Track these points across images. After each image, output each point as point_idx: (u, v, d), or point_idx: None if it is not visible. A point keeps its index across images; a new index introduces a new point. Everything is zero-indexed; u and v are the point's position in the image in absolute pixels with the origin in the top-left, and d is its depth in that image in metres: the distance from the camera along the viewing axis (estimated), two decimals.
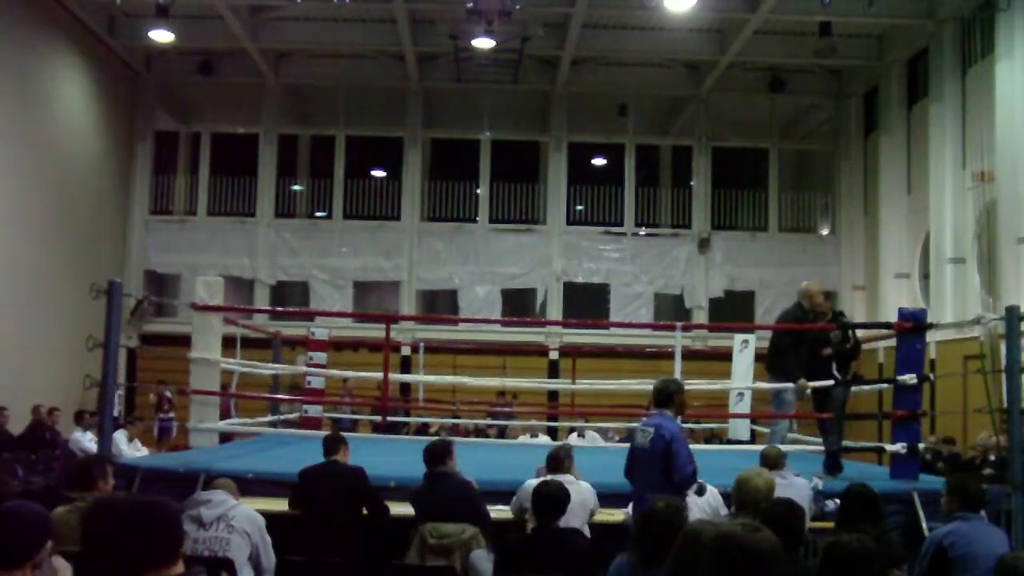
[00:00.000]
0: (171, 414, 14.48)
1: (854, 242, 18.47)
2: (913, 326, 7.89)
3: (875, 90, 17.66)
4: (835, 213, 19.16)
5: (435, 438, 7.43)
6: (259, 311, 17.01)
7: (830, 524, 6.27)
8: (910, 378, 7.68)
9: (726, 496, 5.68)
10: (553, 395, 16.32)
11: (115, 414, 13.30)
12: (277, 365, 11.76)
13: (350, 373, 11.00)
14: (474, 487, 5.99)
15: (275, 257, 18.65)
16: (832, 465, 7.78)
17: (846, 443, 9.30)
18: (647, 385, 6.11)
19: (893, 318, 8.69)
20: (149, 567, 2.45)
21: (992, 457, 10.16)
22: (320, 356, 11.72)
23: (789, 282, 16.43)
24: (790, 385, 8.10)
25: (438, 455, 5.88)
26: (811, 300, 8.31)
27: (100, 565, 2.46)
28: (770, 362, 8.47)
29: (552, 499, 5.04)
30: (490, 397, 14.25)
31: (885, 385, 8.27)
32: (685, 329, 10.33)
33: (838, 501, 6.48)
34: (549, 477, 5.76)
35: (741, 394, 10.49)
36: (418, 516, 5.83)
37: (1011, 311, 7.27)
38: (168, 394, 14.12)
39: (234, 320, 10.10)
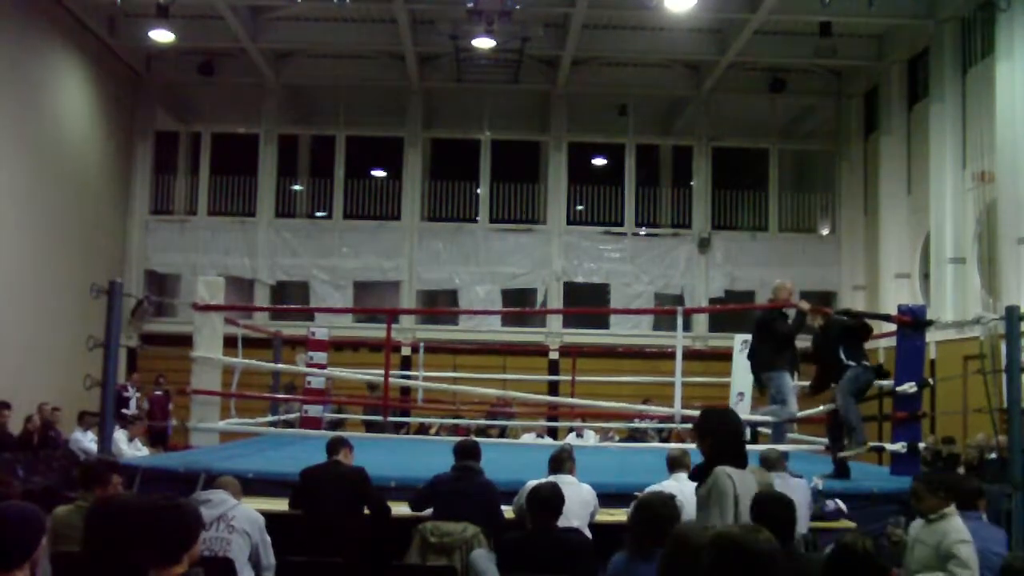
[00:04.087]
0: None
1: (854, 242, 18.47)
2: (913, 321, 7.90)
3: (875, 90, 17.66)
4: (835, 213, 19.16)
5: (436, 437, 7.46)
6: (259, 309, 17.02)
7: (830, 524, 6.29)
8: (910, 387, 7.69)
9: None
10: (553, 395, 16.31)
11: (134, 412, 13.35)
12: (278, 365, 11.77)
13: (338, 371, 11.04)
14: (496, 489, 6.07)
15: (275, 257, 18.65)
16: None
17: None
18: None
19: None
20: (151, 566, 2.46)
21: (993, 456, 10.18)
22: (320, 356, 11.72)
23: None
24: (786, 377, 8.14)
25: (468, 451, 6.13)
26: (776, 295, 8.45)
27: (103, 563, 2.47)
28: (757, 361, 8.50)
29: (547, 500, 5.06)
30: (490, 397, 14.24)
31: (885, 383, 8.23)
32: (685, 320, 10.35)
33: (838, 501, 6.51)
34: (551, 478, 5.78)
35: (741, 394, 10.49)
36: (437, 501, 5.89)
37: (1011, 311, 7.29)
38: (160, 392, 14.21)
39: (234, 320, 10.10)
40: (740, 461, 4.34)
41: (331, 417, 12.19)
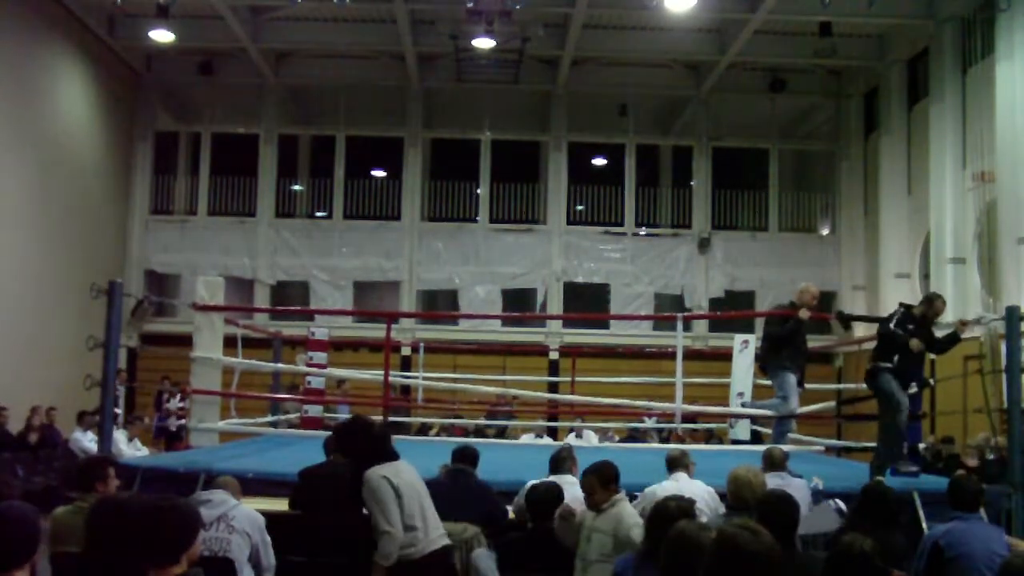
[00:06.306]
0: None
1: (854, 242, 18.47)
2: None
3: (875, 90, 17.66)
4: (835, 213, 19.16)
5: (436, 438, 7.46)
6: (259, 310, 17.02)
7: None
8: (910, 387, 7.69)
9: (724, 497, 5.68)
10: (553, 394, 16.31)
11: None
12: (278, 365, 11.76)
13: (347, 372, 11.00)
14: (492, 490, 6.07)
15: (275, 257, 18.65)
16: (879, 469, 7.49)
17: (846, 443, 9.30)
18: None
19: None
20: (150, 566, 2.46)
21: (991, 456, 10.17)
22: (320, 356, 11.70)
23: (789, 282, 16.44)
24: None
25: (464, 455, 6.16)
26: (800, 297, 8.50)
27: (103, 563, 2.47)
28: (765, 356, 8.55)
29: (546, 500, 5.06)
30: (490, 397, 14.24)
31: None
32: (686, 321, 10.37)
33: (838, 501, 6.49)
34: (552, 478, 5.78)
35: (741, 394, 10.46)
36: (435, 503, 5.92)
37: (1011, 311, 7.29)
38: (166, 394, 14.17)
39: (234, 320, 10.09)
40: (387, 457, 4.69)
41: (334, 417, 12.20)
